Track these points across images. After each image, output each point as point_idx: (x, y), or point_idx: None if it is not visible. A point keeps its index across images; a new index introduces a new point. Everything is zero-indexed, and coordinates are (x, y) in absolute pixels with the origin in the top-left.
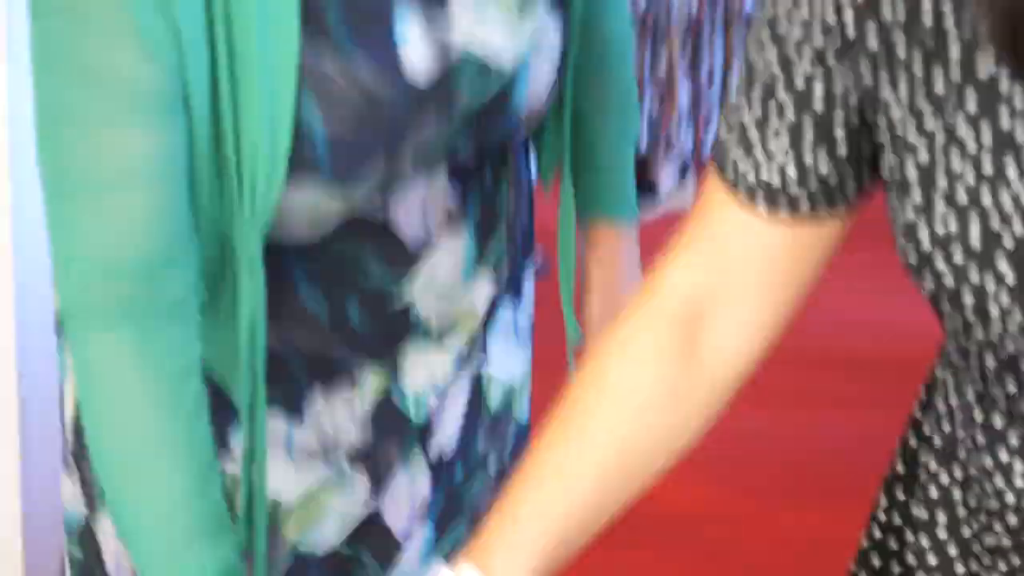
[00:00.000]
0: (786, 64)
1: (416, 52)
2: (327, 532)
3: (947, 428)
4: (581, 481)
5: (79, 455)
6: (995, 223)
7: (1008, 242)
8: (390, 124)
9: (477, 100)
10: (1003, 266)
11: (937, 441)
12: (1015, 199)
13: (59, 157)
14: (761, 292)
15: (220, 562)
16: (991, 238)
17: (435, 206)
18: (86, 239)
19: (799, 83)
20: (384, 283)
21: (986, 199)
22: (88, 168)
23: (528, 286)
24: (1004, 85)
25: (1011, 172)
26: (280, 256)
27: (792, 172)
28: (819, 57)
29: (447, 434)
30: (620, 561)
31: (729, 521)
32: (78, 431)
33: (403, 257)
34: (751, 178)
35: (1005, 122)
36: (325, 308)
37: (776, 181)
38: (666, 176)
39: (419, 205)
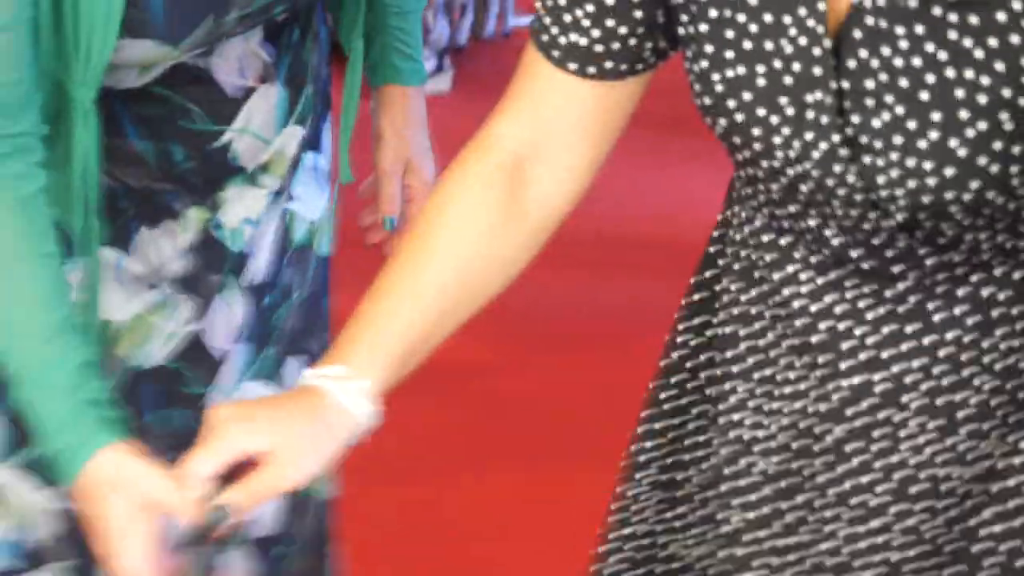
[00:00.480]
0: None
1: None
2: (155, 350)
3: (744, 253)
4: (426, 296)
5: None
6: (776, 66)
7: (788, 81)
8: None
9: None
10: (783, 102)
11: (737, 266)
12: (792, 45)
13: None
14: (575, 143)
15: (79, 357)
16: (773, 79)
17: (251, 60)
18: None
19: None
20: (205, 127)
21: (768, 46)
22: None
23: (327, 135)
24: None
25: (787, 22)
26: (111, 103)
27: (597, 36)
28: None
29: (259, 264)
30: (401, 408)
31: (502, 370)
32: None
33: (223, 104)
34: (563, 42)
35: None
36: (152, 150)
37: (584, 44)
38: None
39: (237, 59)
